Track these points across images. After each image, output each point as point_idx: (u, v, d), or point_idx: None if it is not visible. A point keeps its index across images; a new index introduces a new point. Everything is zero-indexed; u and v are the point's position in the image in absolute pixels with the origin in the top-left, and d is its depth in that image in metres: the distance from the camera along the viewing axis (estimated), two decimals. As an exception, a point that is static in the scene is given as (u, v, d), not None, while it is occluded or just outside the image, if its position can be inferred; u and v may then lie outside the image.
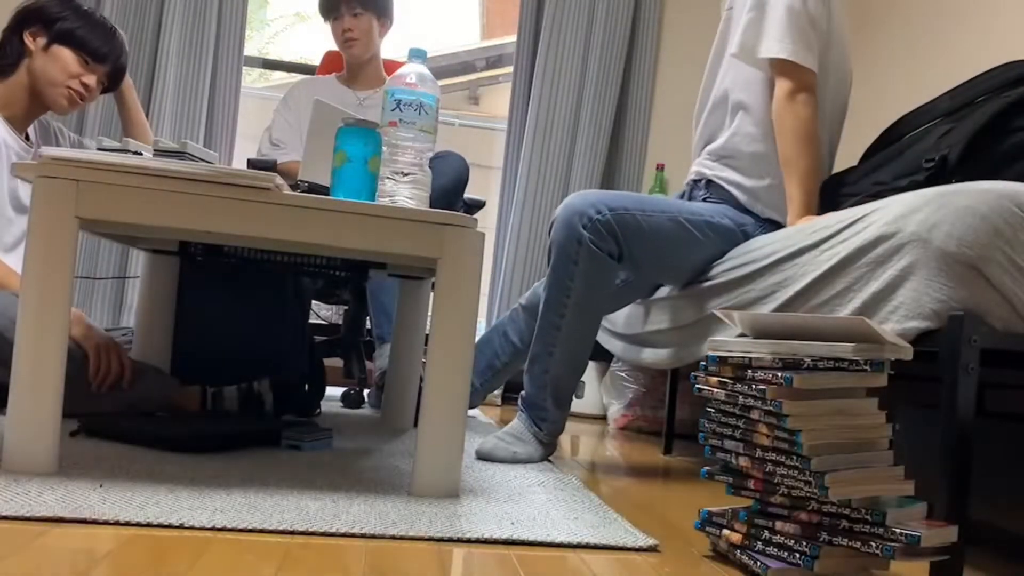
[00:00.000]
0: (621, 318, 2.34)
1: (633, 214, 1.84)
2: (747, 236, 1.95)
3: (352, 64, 2.79)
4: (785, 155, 1.89)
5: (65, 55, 2.06)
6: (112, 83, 2.17)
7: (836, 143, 2.08)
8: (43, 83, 2.06)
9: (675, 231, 1.88)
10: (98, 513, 1.10)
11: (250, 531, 1.11)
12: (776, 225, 1.96)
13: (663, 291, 2.13)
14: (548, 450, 1.91)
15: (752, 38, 1.93)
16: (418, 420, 1.44)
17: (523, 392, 1.92)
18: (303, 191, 1.68)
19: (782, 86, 1.90)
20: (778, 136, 1.90)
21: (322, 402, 2.32)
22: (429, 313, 1.49)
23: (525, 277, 3.45)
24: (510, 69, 3.59)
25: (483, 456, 1.84)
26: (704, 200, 2.05)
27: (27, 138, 2.13)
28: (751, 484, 1.18)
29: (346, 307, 2.93)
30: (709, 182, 2.05)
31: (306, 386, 2.24)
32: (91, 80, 2.09)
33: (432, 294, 1.45)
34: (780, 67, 1.90)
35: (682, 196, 2.15)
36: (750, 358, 1.17)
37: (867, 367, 1.10)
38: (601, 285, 1.84)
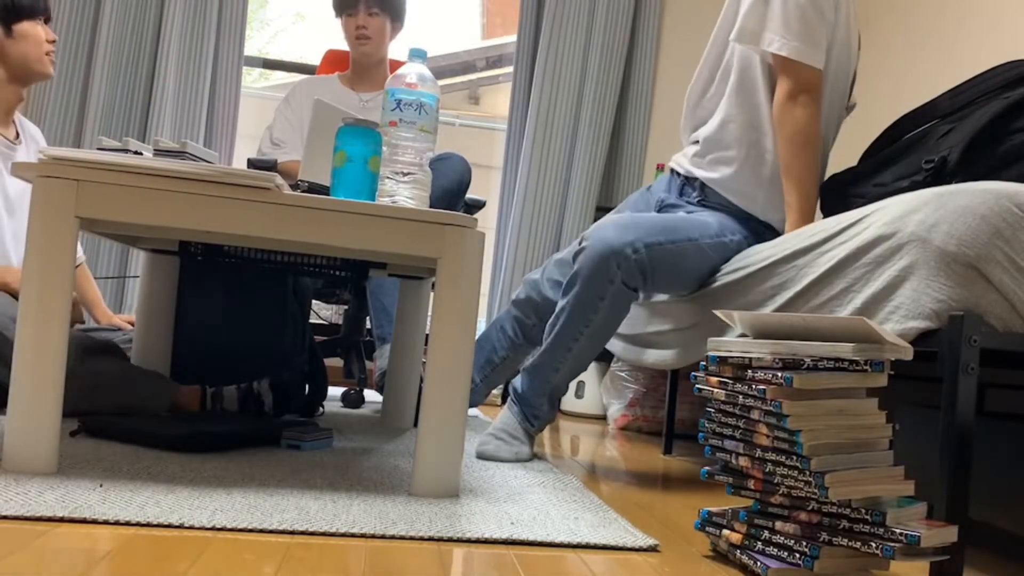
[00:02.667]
0: (621, 318, 2.33)
1: (664, 247, 1.81)
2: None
3: (359, 63, 2.76)
4: (783, 159, 1.87)
5: (29, 28, 2.05)
6: (48, 18, 2.16)
7: (831, 142, 2.05)
8: (28, 63, 2.06)
9: (696, 255, 1.87)
10: (98, 513, 1.10)
11: (250, 531, 1.11)
12: (776, 233, 1.95)
13: (663, 292, 2.12)
14: (533, 441, 1.95)
15: (754, 24, 1.86)
16: (418, 420, 1.44)
17: (517, 385, 1.92)
18: (303, 191, 1.69)
19: (782, 85, 1.86)
20: (778, 139, 1.89)
21: (323, 402, 2.32)
22: (429, 313, 1.49)
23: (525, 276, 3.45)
24: (510, 69, 3.59)
25: (486, 458, 1.84)
26: (699, 202, 2.03)
27: (16, 136, 2.13)
28: (751, 484, 1.18)
29: (346, 307, 2.93)
30: (703, 185, 2.02)
31: (306, 387, 2.23)
32: (51, 33, 2.10)
33: (432, 294, 1.45)
34: (782, 65, 1.86)
35: (669, 188, 2.11)
36: (750, 358, 1.17)
37: (867, 367, 1.10)
38: (620, 315, 1.84)
